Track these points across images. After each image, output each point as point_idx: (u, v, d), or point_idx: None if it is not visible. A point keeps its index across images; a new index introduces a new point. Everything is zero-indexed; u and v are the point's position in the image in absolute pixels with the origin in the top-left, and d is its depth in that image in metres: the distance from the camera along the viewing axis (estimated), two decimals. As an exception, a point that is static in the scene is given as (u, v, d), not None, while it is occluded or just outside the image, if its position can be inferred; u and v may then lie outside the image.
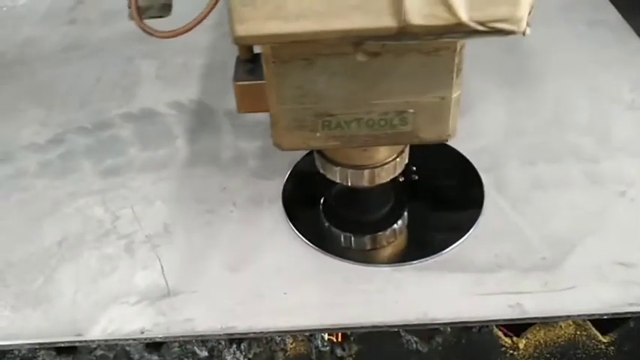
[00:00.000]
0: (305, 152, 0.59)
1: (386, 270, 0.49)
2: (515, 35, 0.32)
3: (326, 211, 0.54)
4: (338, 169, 0.47)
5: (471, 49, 0.70)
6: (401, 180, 0.54)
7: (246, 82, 0.42)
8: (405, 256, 0.49)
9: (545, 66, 0.70)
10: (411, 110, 0.40)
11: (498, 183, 0.55)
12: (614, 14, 0.77)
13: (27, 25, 0.83)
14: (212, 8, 0.38)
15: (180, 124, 0.65)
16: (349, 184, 0.47)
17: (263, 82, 0.40)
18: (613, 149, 0.58)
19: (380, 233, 0.52)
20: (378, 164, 0.46)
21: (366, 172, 0.46)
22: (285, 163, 0.58)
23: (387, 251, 0.51)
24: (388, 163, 0.46)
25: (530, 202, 0.54)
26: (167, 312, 0.47)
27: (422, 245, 0.50)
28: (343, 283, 0.48)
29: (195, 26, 0.39)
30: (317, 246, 0.50)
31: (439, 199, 0.54)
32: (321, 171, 0.48)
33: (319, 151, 0.47)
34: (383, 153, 0.46)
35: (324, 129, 0.41)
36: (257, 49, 0.41)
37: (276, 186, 0.56)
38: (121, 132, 0.64)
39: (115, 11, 0.84)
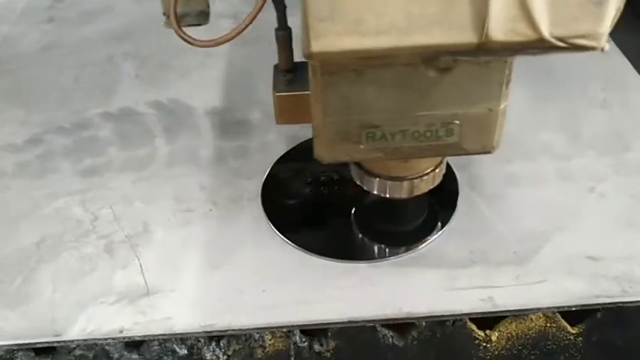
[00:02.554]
0: (283, 151, 0.60)
1: (362, 266, 0.50)
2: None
3: (306, 210, 0.54)
4: (376, 180, 0.46)
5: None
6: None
7: (287, 93, 0.42)
8: (380, 253, 0.50)
9: (518, 67, 0.71)
10: (457, 122, 0.39)
11: (472, 180, 0.57)
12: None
13: (4, 24, 0.83)
14: (253, 19, 0.38)
15: (159, 123, 0.65)
16: (387, 195, 0.47)
17: (304, 92, 0.39)
18: (584, 147, 0.60)
19: (356, 231, 0.53)
20: (417, 175, 0.46)
21: (405, 183, 0.46)
22: (265, 162, 0.59)
23: (363, 248, 0.51)
24: (427, 174, 0.46)
25: (503, 199, 0.55)
26: (146, 311, 0.47)
27: (397, 242, 0.51)
28: (321, 280, 0.49)
29: (236, 36, 0.38)
30: (295, 244, 0.51)
31: (414, 196, 0.55)
32: (358, 182, 0.48)
33: (356, 163, 0.47)
34: (423, 164, 0.46)
35: (369, 141, 0.40)
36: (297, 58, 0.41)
37: (255, 185, 0.57)
38: (100, 132, 0.65)
39: (94, 10, 0.84)
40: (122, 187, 0.58)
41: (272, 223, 0.53)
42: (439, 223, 0.52)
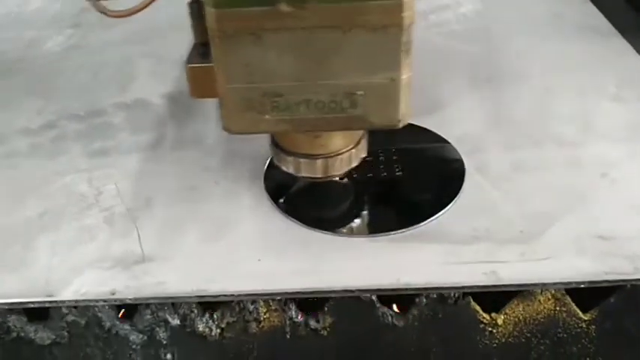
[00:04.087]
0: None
1: (361, 240, 0.49)
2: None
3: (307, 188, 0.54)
4: (291, 158, 0.46)
5: (463, 48, 0.72)
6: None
7: (199, 65, 0.41)
8: (380, 228, 0.49)
9: (533, 64, 0.70)
10: (361, 92, 0.39)
11: (480, 165, 0.55)
12: (602, 21, 0.78)
13: (32, 29, 0.86)
14: None
15: (170, 112, 0.66)
16: (302, 174, 0.46)
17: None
18: (596, 137, 0.58)
19: (357, 206, 0.52)
20: (332, 154, 0.45)
21: (320, 161, 0.45)
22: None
23: (364, 223, 0.50)
24: (343, 154, 0.46)
25: (511, 182, 0.53)
26: (140, 276, 0.47)
27: (398, 218, 0.50)
28: (318, 252, 0.48)
29: (146, 6, 0.40)
30: (295, 218, 0.50)
31: (419, 176, 0.54)
32: (276, 162, 0.48)
33: (272, 141, 0.47)
34: (338, 142, 0.45)
35: (273, 111, 0.40)
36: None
37: (259, 165, 0.57)
38: (113, 119, 0.66)
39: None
40: (128, 166, 0.58)
41: (273, 200, 0.52)
42: (442, 202, 0.51)
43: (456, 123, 0.61)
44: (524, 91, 0.66)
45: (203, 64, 0.41)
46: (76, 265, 0.48)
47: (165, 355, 0.50)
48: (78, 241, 0.50)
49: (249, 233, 0.50)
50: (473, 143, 0.58)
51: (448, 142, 0.57)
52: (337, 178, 0.50)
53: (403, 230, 0.49)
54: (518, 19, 0.80)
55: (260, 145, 0.59)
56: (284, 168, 0.47)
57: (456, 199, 0.51)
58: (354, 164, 0.47)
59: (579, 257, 0.46)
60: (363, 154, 0.48)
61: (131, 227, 0.51)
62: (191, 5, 0.41)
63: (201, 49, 0.42)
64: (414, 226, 0.49)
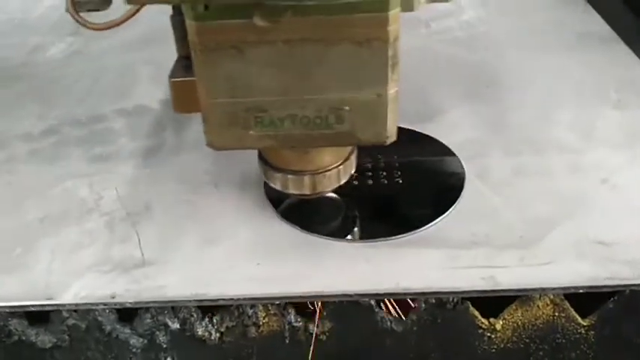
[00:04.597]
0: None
1: (361, 245, 0.49)
2: None
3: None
4: (279, 175, 0.45)
5: (466, 55, 0.71)
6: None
7: (182, 79, 0.40)
8: (380, 233, 0.49)
9: (534, 71, 0.71)
10: (347, 107, 0.38)
11: (480, 171, 0.55)
12: (603, 27, 0.79)
13: (34, 36, 0.86)
14: (142, 5, 0.39)
15: (170, 117, 0.66)
16: (290, 191, 0.46)
17: None
18: (597, 143, 0.58)
19: (356, 211, 0.52)
20: (320, 170, 0.45)
21: (307, 178, 0.45)
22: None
23: (362, 228, 0.50)
24: (330, 170, 0.45)
25: (511, 187, 0.53)
26: (140, 280, 0.47)
27: (398, 223, 0.50)
28: (317, 257, 0.48)
29: (126, 20, 0.41)
30: (294, 223, 0.50)
31: (418, 182, 0.54)
32: (264, 178, 0.47)
33: (261, 158, 0.47)
34: (326, 158, 0.45)
35: (257, 126, 0.39)
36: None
37: (259, 170, 0.57)
38: (114, 124, 0.66)
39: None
40: (128, 171, 0.58)
41: (272, 204, 0.52)
42: (442, 207, 0.51)
43: (456, 129, 0.61)
44: (525, 98, 0.66)
45: (187, 78, 0.40)
46: (77, 269, 0.48)
47: (165, 358, 0.50)
48: (78, 245, 0.50)
49: (248, 238, 0.50)
50: (473, 149, 0.58)
51: (448, 149, 0.58)
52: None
53: (402, 235, 0.49)
54: (520, 26, 0.81)
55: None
56: (272, 184, 0.47)
57: (455, 204, 0.51)
58: (343, 181, 0.46)
59: (578, 262, 0.46)
60: (352, 170, 0.47)
61: (131, 231, 0.51)
62: (173, 18, 0.41)
63: (185, 63, 0.41)
64: (414, 232, 0.49)
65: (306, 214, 0.51)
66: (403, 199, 0.52)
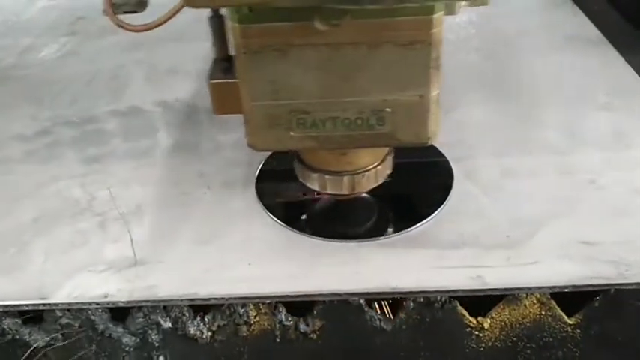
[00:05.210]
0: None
1: (351, 245, 0.49)
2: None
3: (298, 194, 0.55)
4: (316, 175, 0.46)
5: (456, 56, 0.72)
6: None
7: (222, 80, 0.41)
8: (370, 233, 0.50)
9: (524, 73, 0.72)
10: (389, 109, 0.39)
11: (468, 171, 0.56)
12: (593, 31, 0.80)
13: (28, 37, 0.87)
14: (181, 7, 0.39)
15: (163, 119, 0.67)
16: (328, 191, 0.46)
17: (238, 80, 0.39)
18: (585, 144, 0.59)
19: (346, 211, 0.52)
20: (358, 171, 0.45)
21: (346, 179, 0.45)
22: (263, 153, 0.60)
23: (353, 228, 0.51)
24: (369, 171, 0.45)
25: (499, 188, 0.54)
26: (132, 279, 0.47)
27: (388, 224, 0.51)
28: (308, 257, 0.48)
29: (164, 22, 0.41)
30: (285, 223, 0.51)
31: (408, 183, 0.55)
32: (300, 179, 0.48)
33: (297, 158, 0.47)
34: (364, 159, 0.45)
35: (299, 128, 0.40)
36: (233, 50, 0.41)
37: (251, 173, 0.57)
38: (107, 126, 0.67)
39: (113, 25, 0.88)
40: (122, 172, 0.59)
41: (263, 205, 0.53)
42: (431, 208, 0.52)
43: (445, 130, 0.61)
44: (514, 99, 0.67)
45: (226, 80, 0.41)
46: (70, 269, 0.48)
47: (157, 357, 0.50)
48: (71, 245, 0.51)
49: (239, 238, 0.50)
50: (462, 150, 0.58)
51: (437, 150, 0.58)
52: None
53: (392, 235, 0.50)
54: (511, 30, 0.82)
55: (251, 151, 0.60)
56: (308, 185, 0.47)
57: (444, 205, 0.52)
58: (380, 181, 0.47)
59: (564, 261, 0.47)
60: (389, 171, 0.47)
61: (124, 232, 0.52)
62: (211, 20, 0.41)
63: (223, 65, 0.42)
64: (403, 232, 0.50)
65: (297, 215, 0.52)
66: (393, 198, 0.53)
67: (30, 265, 0.49)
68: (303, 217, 0.52)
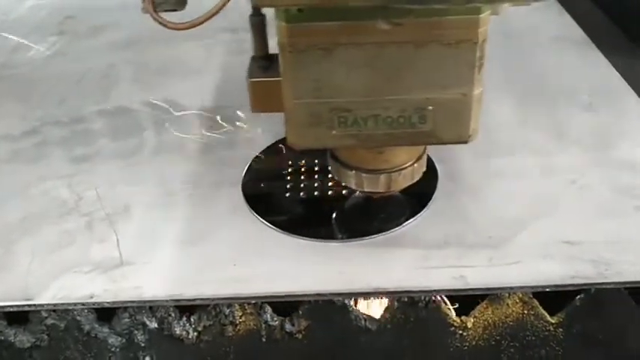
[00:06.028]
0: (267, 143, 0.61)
1: (334, 245, 0.50)
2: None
3: (284, 194, 0.55)
4: (352, 173, 0.46)
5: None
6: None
7: (261, 79, 0.42)
8: (354, 233, 0.50)
9: (508, 73, 0.72)
10: (431, 107, 0.39)
11: (452, 172, 0.57)
12: (578, 32, 0.81)
13: (16, 36, 0.87)
14: (224, 4, 0.39)
15: (151, 119, 0.67)
16: (364, 189, 0.46)
17: (278, 79, 0.39)
18: (567, 144, 0.60)
19: (331, 211, 0.53)
20: (395, 169, 0.45)
21: (383, 177, 0.45)
22: (249, 154, 0.60)
23: (338, 228, 0.51)
24: (406, 169, 0.45)
25: (482, 189, 0.55)
26: (118, 280, 0.47)
27: (371, 224, 0.51)
28: (292, 257, 0.49)
29: (206, 20, 0.40)
30: (270, 224, 0.51)
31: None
32: (335, 177, 0.48)
33: (333, 155, 0.47)
34: (401, 157, 0.45)
35: (341, 126, 0.40)
36: (272, 49, 0.41)
37: (237, 173, 0.58)
38: (95, 125, 0.67)
39: (102, 25, 0.88)
40: (109, 172, 0.59)
41: (250, 205, 0.53)
42: (415, 208, 0.52)
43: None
44: (498, 100, 0.67)
45: (266, 78, 0.41)
46: (56, 269, 0.49)
47: (143, 357, 0.50)
48: (58, 245, 0.51)
49: (225, 238, 0.51)
50: (446, 151, 0.59)
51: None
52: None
53: (376, 236, 0.50)
54: (495, 29, 0.82)
55: (238, 151, 0.61)
56: (344, 182, 0.47)
57: (428, 205, 0.53)
58: (416, 179, 0.47)
59: (545, 261, 0.47)
60: (424, 169, 0.47)
61: (110, 232, 0.52)
62: (252, 18, 0.41)
63: (262, 63, 0.42)
64: (387, 232, 0.50)
65: (282, 215, 0.52)
66: (377, 200, 0.53)
67: (16, 265, 0.49)
68: (289, 217, 0.52)
